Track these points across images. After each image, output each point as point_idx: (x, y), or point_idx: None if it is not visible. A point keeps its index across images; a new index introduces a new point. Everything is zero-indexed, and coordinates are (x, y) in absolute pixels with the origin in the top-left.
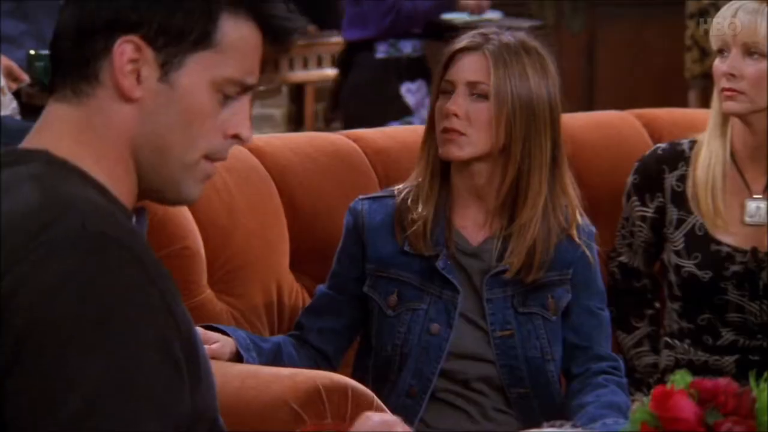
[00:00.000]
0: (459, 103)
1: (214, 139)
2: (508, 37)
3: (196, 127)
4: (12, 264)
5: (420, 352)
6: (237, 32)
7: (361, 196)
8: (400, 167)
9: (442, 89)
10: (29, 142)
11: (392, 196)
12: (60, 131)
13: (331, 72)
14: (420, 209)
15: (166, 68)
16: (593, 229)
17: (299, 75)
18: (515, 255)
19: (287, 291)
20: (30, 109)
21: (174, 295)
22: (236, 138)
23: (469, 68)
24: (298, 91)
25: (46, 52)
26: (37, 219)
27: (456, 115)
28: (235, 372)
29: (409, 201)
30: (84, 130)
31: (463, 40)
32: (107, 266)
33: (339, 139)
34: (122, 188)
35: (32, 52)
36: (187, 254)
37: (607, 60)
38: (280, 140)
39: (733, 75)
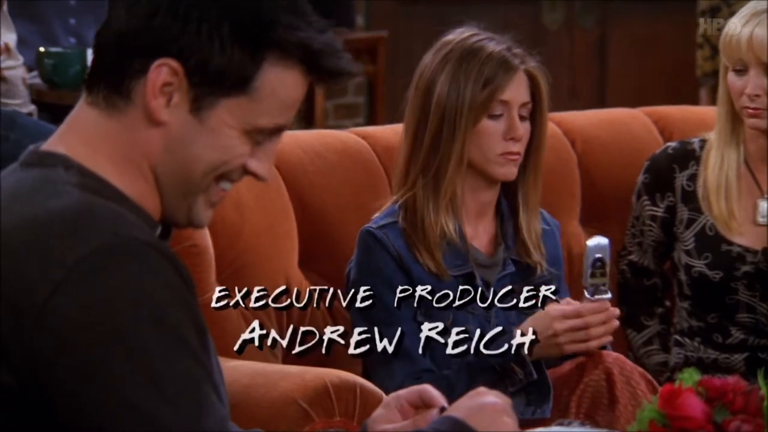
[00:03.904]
0: None
1: (234, 172)
2: None
3: (218, 163)
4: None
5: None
6: (279, 79)
7: None
8: None
9: None
10: (53, 141)
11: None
12: (86, 137)
13: None
14: None
15: (197, 104)
16: None
17: None
18: None
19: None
20: (40, 107)
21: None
22: (253, 175)
23: None
24: (308, 89)
25: (55, 49)
26: (62, 227)
27: None
28: (244, 370)
29: None
30: (110, 142)
31: None
32: (149, 270)
33: (349, 137)
34: (146, 200)
35: (41, 49)
36: (196, 252)
37: (619, 57)
38: (289, 138)
39: (757, 95)
